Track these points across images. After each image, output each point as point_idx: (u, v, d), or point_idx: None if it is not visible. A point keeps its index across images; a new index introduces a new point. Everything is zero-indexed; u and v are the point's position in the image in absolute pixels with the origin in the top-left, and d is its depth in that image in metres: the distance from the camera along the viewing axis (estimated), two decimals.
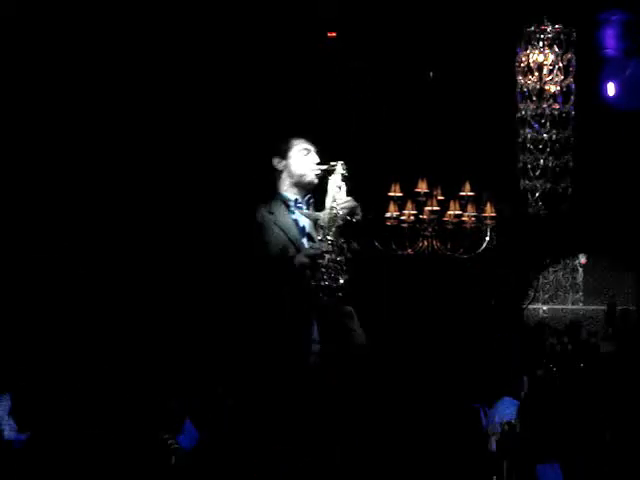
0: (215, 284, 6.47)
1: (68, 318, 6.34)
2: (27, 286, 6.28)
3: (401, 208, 6.79)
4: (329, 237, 4.76)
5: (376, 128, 7.05)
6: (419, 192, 6.80)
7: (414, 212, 6.80)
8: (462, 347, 7.18)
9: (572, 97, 6.14)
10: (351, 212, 4.85)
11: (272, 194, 4.91)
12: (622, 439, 6.28)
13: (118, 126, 6.56)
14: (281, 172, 4.89)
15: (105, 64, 6.48)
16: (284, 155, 4.89)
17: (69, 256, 6.41)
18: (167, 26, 6.58)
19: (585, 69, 6.38)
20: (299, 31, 6.82)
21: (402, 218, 6.80)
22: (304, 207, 4.89)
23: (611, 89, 6.56)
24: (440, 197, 6.87)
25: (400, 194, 6.77)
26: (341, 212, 4.79)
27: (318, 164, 4.85)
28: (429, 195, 6.86)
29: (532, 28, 6.17)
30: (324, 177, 4.84)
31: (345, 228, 4.83)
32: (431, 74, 6.99)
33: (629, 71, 6.52)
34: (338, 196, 4.83)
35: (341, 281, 4.77)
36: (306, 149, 4.89)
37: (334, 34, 6.99)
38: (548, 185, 6.09)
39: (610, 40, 6.52)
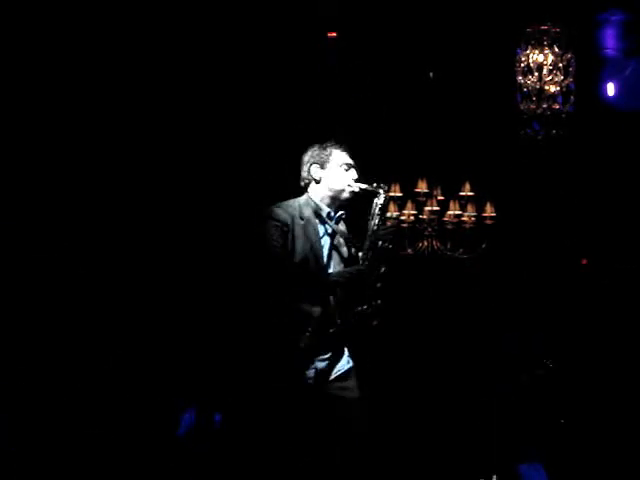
0: (223, 287, 6.47)
1: (68, 318, 6.34)
2: (27, 286, 6.28)
3: (401, 208, 6.79)
4: (367, 262, 4.72)
5: (376, 128, 7.05)
6: (419, 192, 6.80)
7: (414, 212, 6.80)
8: (463, 347, 7.18)
9: (572, 97, 6.14)
10: (389, 240, 4.81)
11: (303, 197, 4.82)
12: (608, 438, 6.31)
13: (119, 126, 6.55)
14: (317, 181, 4.82)
15: (105, 64, 6.47)
16: (323, 165, 4.80)
17: (69, 256, 6.40)
18: (167, 26, 6.57)
19: (585, 69, 6.39)
20: (299, 30, 6.81)
21: (402, 218, 6.80)
22: (334, 222, 4.81)
23: (611, 89, 6.56)
24: (440, 197, 6.87)
25: (400, 194, 6.77)
26: (381, 241, 4.75)
27: (357, 181, 4.78)
28: (429, 195, 6.86)
29: (532, 28, 6.17)
30: (362, 196, 4.78)
31: (380, 254, 4.78)
32: (431, 74, 6.99)
33: (629, 71, 6.53)
34: (376, 222, 4.77)
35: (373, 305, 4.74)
36: (347, 164, 4.81)
37: (334, 34, 6.98)
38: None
39: (610, 40, 6.52)
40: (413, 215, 6.80)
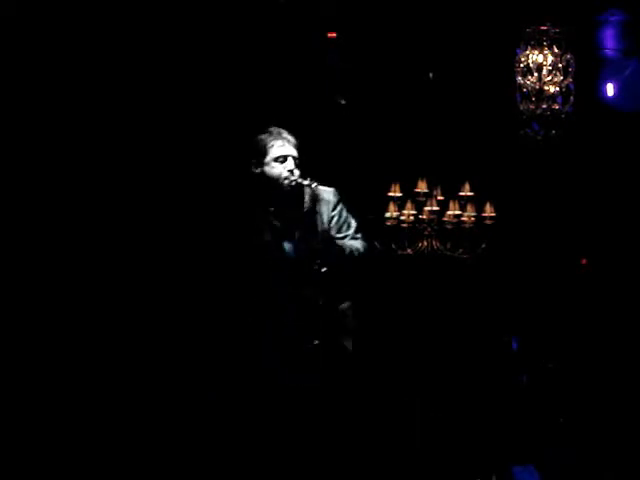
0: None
1: (68, 318, 6.34)
2: (27, 286, 6.28)
3: (401, 208, 6.78)
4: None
5: (376, 128, 7.05)
6: (419, 192, 6.80)
7: (414, 212, 6.79)
8: (463, 348, 7.18)
9: (571, 97, 6.14)
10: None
11: (256, 195, 4.76)
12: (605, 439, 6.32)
13: (115, 126, 6.55)
14: (259, 177, 4.75)
15: (104, 64, 6.47)
16: (260, 161, 4.74)
17: (69, 256, 6.40)
18: (167, 27, 6.57)
19: (584, 69, 6.39)
20: (299, 30, 6.81)
21: (402, 218, 6.79)
22: (287, 219, 4.72)
23: (610, 90, 6.56)
24: (440, 197, 6.87)
25: (400, 194, 6.76)
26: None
27: (291, 171, 4.68)
28: (429, 195, 6.86)
29: (532, 29, 6.18)
30: (300, 186, 4.70)
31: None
32: (431, 74, 6.98)
33: (628, 71, 6.53)
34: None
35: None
36: (282, 156, 4.73)
37: (334, 34, 6.98)
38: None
39: (609, 40, 6.52)
40: (413, 215, 6.80)
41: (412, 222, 6.80)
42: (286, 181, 4.69)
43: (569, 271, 7.27)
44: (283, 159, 4.72)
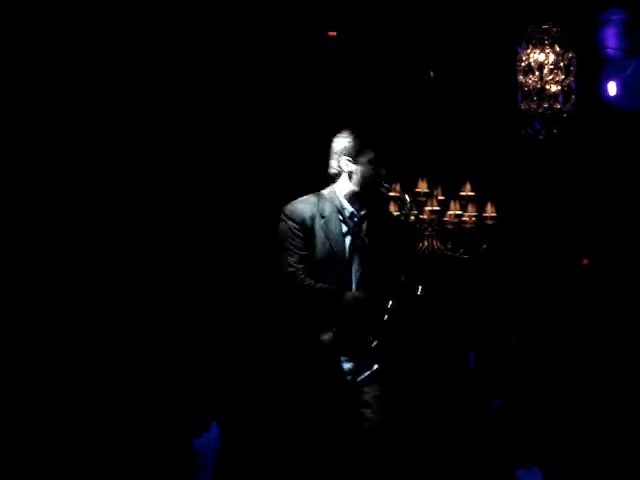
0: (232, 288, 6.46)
1: (69, 318, 6.33)
2: (27, 286, 6.27)
3: (401, 208, 6.77)
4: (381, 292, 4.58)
5: (376, 128, 7.04)
6: (419, 192, 6.80)
7: (414, 212, 6.79)
8: (464, 348, 7.18)
9: (573, 96, 6.15)
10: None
11: (327, 190, 4.67)
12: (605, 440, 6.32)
13: (119, 125, 6.54)
14: (345, 174, 4.63)
15: (106, 65, 6.46)
16: (355, 159, 4.62)
17: (70, 256, 6.39)
18: (167, 25, 6.57)
19: (586, 68, 6.40)
20: (299, 30, 6.82)
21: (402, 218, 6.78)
22: (357, 222, 4.63)
23: (612, 89, 6.56)
24: (440, 197, 6.87)
25: (400, 194, 6.76)
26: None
27: (382, 178, 4.62)
28: (429, 195, 6.86)
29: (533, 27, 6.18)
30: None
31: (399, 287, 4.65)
32: (432, 73, 6.99)
33: (630, 70, 6.53)
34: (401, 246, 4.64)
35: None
36: (375, 161, 4.65)
37: (334, 34, 6.98)
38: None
39: (611, 39, 6.53)
40: (413, 215, 6.80)
41: (412, 222, 6.80)
42: (374, 186, 4.59)
43: (570, 271, 7.27)
44: (376, 163, 4.62)
